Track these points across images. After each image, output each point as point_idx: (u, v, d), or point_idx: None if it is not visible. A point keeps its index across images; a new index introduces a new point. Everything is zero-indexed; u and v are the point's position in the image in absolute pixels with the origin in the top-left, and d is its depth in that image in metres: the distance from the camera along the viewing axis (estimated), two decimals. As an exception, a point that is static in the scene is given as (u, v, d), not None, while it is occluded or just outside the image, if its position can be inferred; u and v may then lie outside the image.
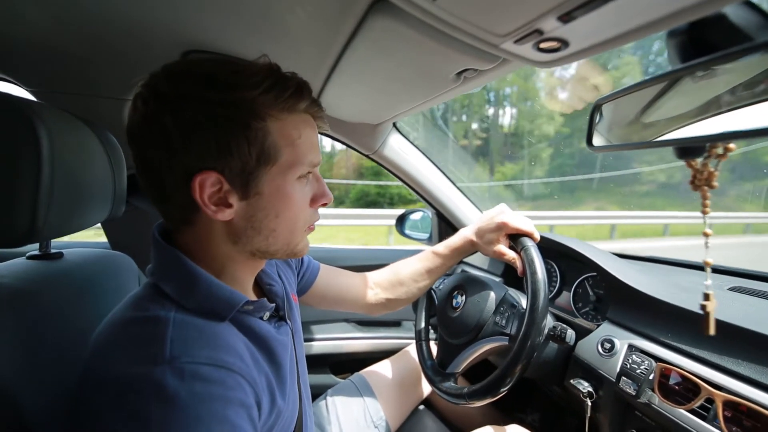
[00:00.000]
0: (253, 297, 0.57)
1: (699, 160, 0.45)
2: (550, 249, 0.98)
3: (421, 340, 0.95)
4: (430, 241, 1.44)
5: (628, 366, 0.67)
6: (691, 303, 0.67)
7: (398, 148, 1.23)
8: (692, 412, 0.57)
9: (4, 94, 0.45)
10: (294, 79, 0.47)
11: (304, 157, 0.49)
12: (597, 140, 0.57)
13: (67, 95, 0.86)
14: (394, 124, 1.20)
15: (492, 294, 0.82)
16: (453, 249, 0.87)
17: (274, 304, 0.56)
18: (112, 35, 0.67)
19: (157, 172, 0.45)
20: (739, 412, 0.52)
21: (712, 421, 0.54)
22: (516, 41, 0.47)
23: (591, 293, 0.89)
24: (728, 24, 0.38)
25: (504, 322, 0.77)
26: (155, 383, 0.37)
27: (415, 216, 1.48)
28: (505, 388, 0.69)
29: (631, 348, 0.69)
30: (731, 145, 0.42)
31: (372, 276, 0.92)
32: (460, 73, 0.66)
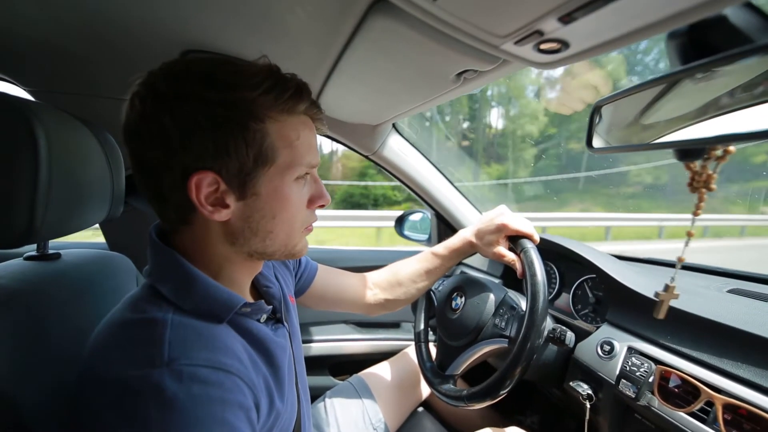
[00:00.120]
0: (250, 299, 0.57)
1: (698, 163, 0.45)
2: (549, 250, 0.98)
3: (420, 341, 0.95)
4: (429, 242, 1.44)
5: (628, 368, 0.67)
6: (690, 305, 0.67)
7: (398, 149, 1.22)
8: (692, 415, 0.57)
9: (1, 94, 0.45)
10: (294, 80, 0.47)
11: (302, 158, 0.49)
12: (597, 142, 0.57)
13: (65, 95, 0.86)
14: (394, 125, 1.20)
15: (491, 296, 0.81)
16: (452, 250, 0.87)
17: (271, 307, 0.56)
18: (111, 34, 0.67)
19: (154, 171, 0.45)
20: (738, 415, 0.52)
21: (712, 424, 0.54)
22: (516, 42, 0.47)
23: (590, 295, 0.89)
24: (729, 26, 0.38)
25: (503, 324, 0.76)
26: (154, 385, 0.37)
27: (414, 217, 1.48)
28: (504, 391, 0.69)
29: (631, 350, 0.69)
30: (731, 148, 0.41)
31: (371, 276, 0.92)
32: (460, 74, 0.66)
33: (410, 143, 1.25)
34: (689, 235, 0.49)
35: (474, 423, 1.06)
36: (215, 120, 0.43)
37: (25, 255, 0.61)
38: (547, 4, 0.38)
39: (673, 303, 0.69)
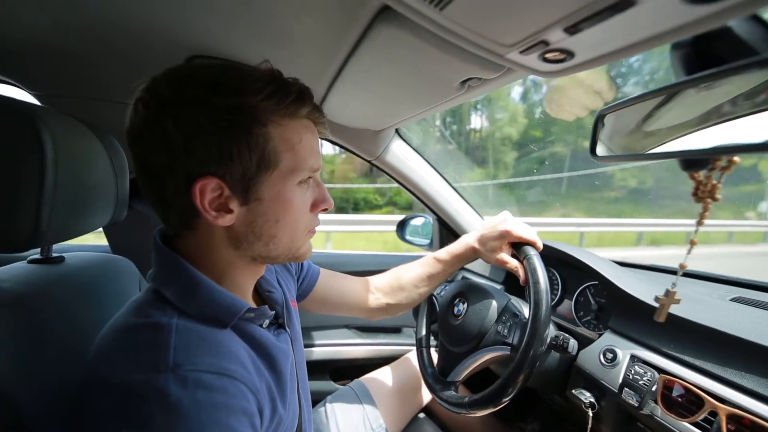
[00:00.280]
0: (253, 304, 0.57)
1: (702, 173, 0.45)
2: (551, 257, 0.98)
3: (422, 347, 0.94)
4: (430, 246, 1.44)
5: (631, 377, 0.67)
6: (693, 313, 0.67)
7: (400, 154, 1.23)
8: (695, 425, 0.56)
9: (8, 99, 0.45)
10: (296, 84, 0.48)
11: (305, 162, 0.49)
12: (600, 150, 0.58)
13: (71, 99, 0.86)
14: (397, 131, 1.21)
15: (494, 302, 0.81)
16: (454, 255, 0.87)
17: (273, 312, 0.56)
18: (116, 39, 0.68)
19: (158, 176, 0.45)
20: (743, 426, 0.52)
21: None
22: (522, 51, 0.47)
23: (592, 302, 0.89)
24: (733, 37, 0.38)
25: (506, 331, 0.76)
26: (158, 391, 0.37)
27: (416, 222, 1.48)
28: (507, 399, 0.68)
29: (634, 358, 0.69)
30: (735, 158, 0.42)
31: (373, 280, 0.92)
32: (464, 82, 0.66)
33: (413, 148, 1.25)
34: (692, 243, 0.50)
35: (475, 429, 1.06)
36: (219, 125, 0.43)
37: (28, 258, 0.61)
38: (553, 15, 0.39)
39: (677, 311, 0.69)
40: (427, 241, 1.46)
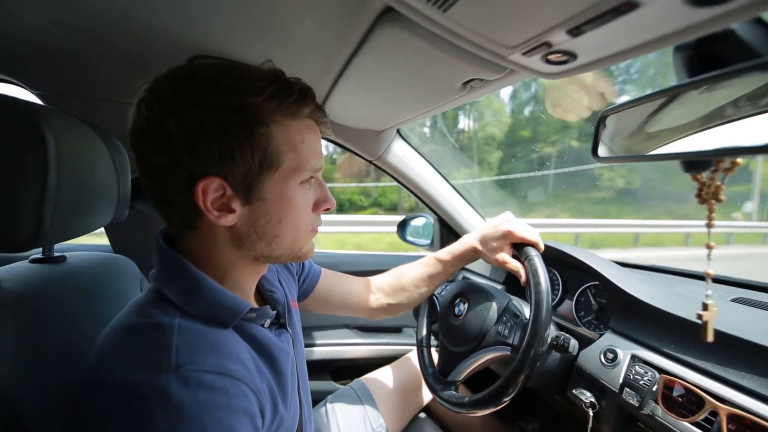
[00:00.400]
0: (255, 304, 0.57)
1: (705, 174, 0.45)
2: (552, 257, 0.98)
3: (422, 346, 0.95)
4: (431, 247, 1.44)
5: (631, 377, 0.67)
6: (693, 314, 0.67)
7: (402, 155, 1.23)
8: (696, 424, 0.57)
9: (11, 99, 0.45)
10: (298, 84, 0.48)
11: (307, 162, 0.49)
12: (602, 151, 0.58)
13: (73, 99, 0.86)
14: (398, 131, 1.21)
15: (495, 303, 0.81)
16: (455, 255, 0.87)
17: (275, 312, 0.56)
18: (119, 39, 0.68)
19: (160, 177, 0.45)
20: (743, 426, 0.52)
21: None
22: (524, 53, 0.47)
23: (593, 302, 0.89)
24: (736, 40, 0.38)
25: (507, 331, 0.76)
26: (160, 391, 0.37)
27: (417, 222, 1.48)
28: (507, 399, 0.69)
29: (634, 359, 0.69)
30: (738, 159, 0.42)
31: (374, 280, 0.92)
32: (466, 83, 0.66)
33: (414, 149, 1.25)
34: (709, 247, 0.48)
35: (475, 429, 1.06)
36: (221, 125, 0.43)
37: (30, 258, 0.61)
38: (556, 18, 0.39)
39: (677, 312, 0.69)
40: (428, 242, 1.46)
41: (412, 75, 0.67)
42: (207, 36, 0.67)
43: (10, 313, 0.46)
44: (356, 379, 1.08)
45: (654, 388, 0.63)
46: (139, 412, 0.37)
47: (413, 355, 1.15)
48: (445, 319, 0.89)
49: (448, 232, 1.39)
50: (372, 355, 1.36)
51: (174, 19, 0.63)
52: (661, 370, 0.64)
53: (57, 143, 0.45)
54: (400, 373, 1.09)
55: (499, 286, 1.09)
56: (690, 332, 0.66)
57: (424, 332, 0.97)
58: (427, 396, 1.09)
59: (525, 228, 0.79)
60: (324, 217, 0.58)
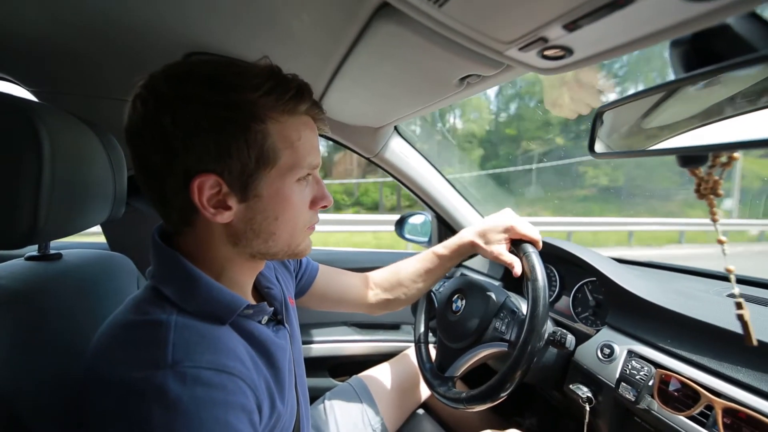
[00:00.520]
0: (252, 300, 0.57)
1: (703, 169, 0.45)
2: (549, 253, 0.98)
3: (420, 342, 0.95)
4: (429, 244, 1.44)
5: (628, 372, 0.67)
6: (690, 309, 0.67)
7: (399, 152, 1.23)
8: (692, 418, 0.57)
9: (5, 95, 0.45)
10: (294, 81, 0.47)
11: (303, 159, 0.49)
12: (599, 147, 0.58)
13: (68, 96, 0.86)
14: (396, 128, 1.21)
15: (492, 299, 0.82)
16: (452, 250, 0.87)
17: (272, 308, 0.56)
18: (114, 35, 0.67)
19: (156, 174, 0.45)
20: (738, 420, 0.52)
21: (712, 428, 0.54)
22: (520, 48, 0.47)
23: (590, 298, 0.90)
24: (732, 34, 0.38)
25: (504, 327, 0.77)
26: (157, 387, 0.37)
27: (415, 219, 1.48)
28: (504, 394, 0.69)
29: (631, 354, 0.69)
30: (735, 154, 0.42)
31: (372, 276, 0.92)
32: (463, 79, 0.66)
33: (411, 146, 1.25)
34: (720, 242, 0.45)
35: (473, 425, 1.06)
36: (217, 122, 0.43)
37: (26, 255, 0.61)
38: (552, 12, 0.39)
39: (674, 307, 0.69)
40: (426, 239, 1.46)
41: (409, 71, 0.67)
42: (203, 33, 0.67)
43: (6, 310, 0.46)
44: (354, 376, 1.09)
45: (650, 383, 0.64)
46: (137, 409, 0.37)
47: (411, 352, 1.15)
48: (442, 316, 0.90)
49: (446, 229, 1.39)
50: (370, 352, 1.36)
51: (170, 16, 0.62)
52: (657, 365, 0.64)
53: (52, 140, 0.45)
54: (399, 370, 1.10)
55: (496, 283, 1.09)
56: (686, 328, 0.66)
57: (422, 329, 0.97)
58: (425, 392, 1.09)
59: (526, 225, 0.79)
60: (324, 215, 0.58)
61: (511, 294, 0.85)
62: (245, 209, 0.47)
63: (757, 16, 0.37)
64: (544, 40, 0.44)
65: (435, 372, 0.87)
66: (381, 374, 1.08)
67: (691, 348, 0.64)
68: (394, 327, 1.45)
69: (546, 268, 0.73)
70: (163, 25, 0.64)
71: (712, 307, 0.68)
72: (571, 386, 0.75)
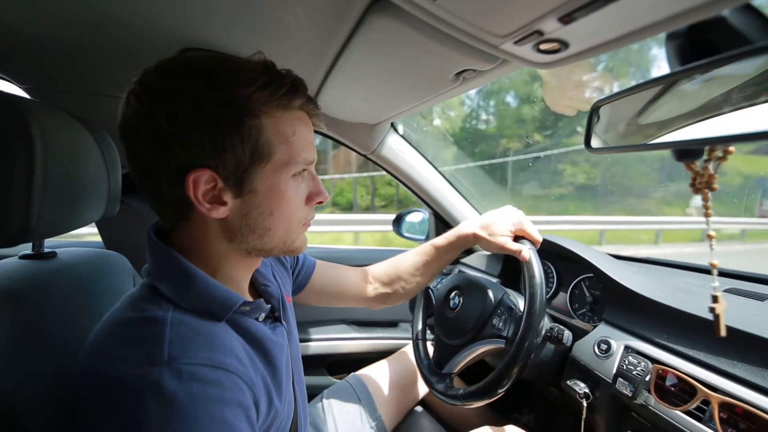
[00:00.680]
0: (249, 297, 0.56)
1: (699, 163, 0.45)
2: (547, 250, 0.98)
3: (418, 340, 0.95)
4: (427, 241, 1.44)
5: (625, 367, 0.67)
6: (686, 304, 0.68)
7: (396, 148, 1.22)
8: (688, 413, 0.57)
9: None
10: (289, 76, 0.47)
11: (298, 155, 0.49)
12: (595, 142, 0.58)
13: (61, 93, 0.85)
14: (392, 124, 1.20)
15: (490, 296, 0.82)
16: (452, 242, 0.85)
17: (269, 305, 0.56)
18: (108, 31, 0.67)
19: (151, 169, 0.44)
20: (734, 414, 0.53)
21: (708, 422, 0.55)
22: (516, 42, 0.47)
23: (587, 294, 0.90)
24: (728, 27, 0.38)
25: (501, 324, 0.77)
26: (153, 384, 0.37)
27: (412, 217, 1.48)
28: (501, 390, 0.69)
29: (628, 349, 0.70)
30: (731, 148, 0.42)
31: (371, 270, 0.92)
32: (459, 74, 0.66)
33: (408, 142, 1.25)
34: (710, 237, 0.46)
35: (471, 421, 1.06)
36: (211, 117, 0.42)
37: (20, 254, 0.60)
38: (547, 5, 0.38)
39: (671, 303, 0.69)
40: (423, 237, 1.46)
41: (404, 66, 0.67)
42: (198, 29, 0.67)
43: (2, 310, 0.46)
44: (352, 374, 1.09)
45: (647, 378, 0.64)
46: (133, 406, 0.37)
47: (409, 350, 1.15)
48: (440, 312, 0.90)
49: (444, 226, 1.39)
50: (368, 350, 1.36)
51: (164, 11, 0.62)
52: (654, 360, 0.65)
53: (44, 138, 0.44)
54: (396, 367, 1.10)
55: (494, 280, 1.09)
56: (682, 323, 0.66)
57: (420, 325, 0.97)
58: (423, 389, 1.09)
59: (532, 224, 0.80)
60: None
61: (508, 291, 0.85)
62: (240, 204, 0.47)
63: (753, 8, 0.37)
64: (540, 33, 0.44)
65: (433, 369, 0.87)
66: (379, 372, 1.08)
67: (687, 343, 0.64)
68: (392, 324, 1.45)
69: (543, 264, 0.73)
70: (156, 20, 0.64)
71: (708, 302, 0.68)
72: (568, 382, 0.76)
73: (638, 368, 0.66)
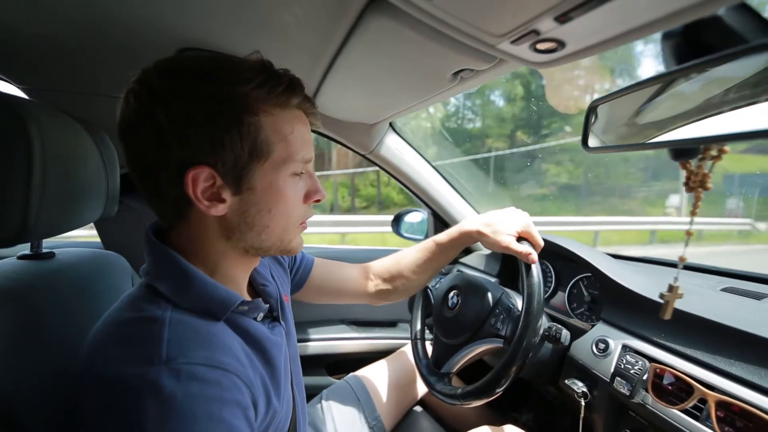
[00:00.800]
0: (247, 297, 0.57)
1: (693, 162, 0.45)
2: (545, 249, 0.98)
3: (416, 339, 0.95)
4: (426, 241, 1.44)
5: (622, 366, 0.68)
6: (684, 303, 0.68)
7: (394, 148, 1.22)
8: (685, 412, 0.57)
9: None
10: (286, 75, 0.48)
11: (296, 153, 0.49)
12: (592, 141, 0.58)
13: (59, 93, 0.85)
14: (391, 124, 1.20)
15: (488, 295, 0.82)
16: (454, 238, 0.84)
17: (267, 305, 0.56)
18: (106, 31, 0.67)
19: (150, 168, 0.45)
20: (731, 412, 0.53)
21: (705, 421, 0.55)
22: (513, 42, 0.47)
23: (586, 294, 0.90)
24: (723, 26, 0.38)
25: (499, 323, 0.77)
26: (152, 384, 0.37)
27: (411, 217, 1.48)
28: (499, 390, 0.69)
29: (625, 348, 0.70)
30: (726, 147, 0.42)
31: (372, 266, 0.91)
32: (456, 73, 0.66)
33: (407, 142, 1.25)
34: (688, 234, 0.49)
35: (470, 421, 1.07)
36: (210, 115, 0.43)
37: (18, 254, 0.60)
38: (543, 4, 0.39)
39: (668, 301, 0.69)
40: (422, 237, 1.46)
41: (402, 66, 0.67)
42: (195, 28, 0.67)
43: (0, 310, 0.46)
44: (351, 374, 1.09)
45: (644, 377, 0.64)
46: (132, 406, 0.37)
47: (408, 349, 1.15)
48: (439, 312, 0.90)
49: (443, 225, 1.39)
50: (367, 350, 1.36)
51: (163, 11, 0.62)
52: (652, 359, 0.65)
53: (42, 138, 0.44)
54: (395, 367, 1.10)
55: (492, 279, 1.09)
56: (680, 322, 0.66)
57: (419, 325, 0.97)
58: (422, 389, 1.09)
59: (534, 226, 0.79)
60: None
61: (506, 290, 0.86)
62: (239, 202, 0.47)
63: (748, 7, 0.37)
64: (536, 32, 0.44)
65: (431, 368, 0.87)
66: (378, 372, 1.08)
67: (685, 342, 0.64)
68: (391, 324, 1.45)
69: (541, 263, 0.73)
70: (158, 21, 0.64)
71: (706, 301, 0.69)
72: (566, 381, 0.76)
73: (636, 367, 0.66)
